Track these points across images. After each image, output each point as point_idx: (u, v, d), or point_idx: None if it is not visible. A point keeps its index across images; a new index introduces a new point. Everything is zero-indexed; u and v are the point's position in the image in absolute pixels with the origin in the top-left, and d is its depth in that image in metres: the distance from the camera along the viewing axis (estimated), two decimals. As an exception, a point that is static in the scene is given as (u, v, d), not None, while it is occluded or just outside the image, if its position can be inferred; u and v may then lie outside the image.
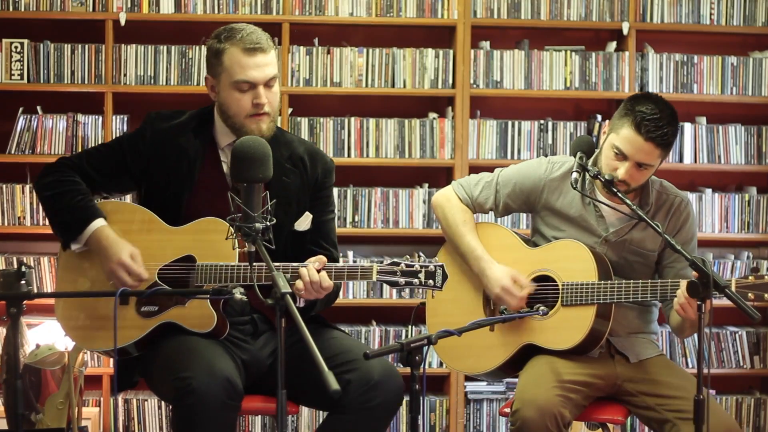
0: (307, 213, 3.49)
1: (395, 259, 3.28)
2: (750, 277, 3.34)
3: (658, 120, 3.40)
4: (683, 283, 3.34)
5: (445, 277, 3.24)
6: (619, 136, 3.45)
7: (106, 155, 3.48)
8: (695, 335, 5.11)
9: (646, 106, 3.42)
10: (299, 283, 3.23)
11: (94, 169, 3.45)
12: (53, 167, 3.45)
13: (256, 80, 3.33)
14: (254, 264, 2.87)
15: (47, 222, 3.53)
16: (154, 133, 3.45)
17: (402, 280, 3.24)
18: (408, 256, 3.29)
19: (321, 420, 3.92)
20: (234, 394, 3.19)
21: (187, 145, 3.43)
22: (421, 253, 5.18)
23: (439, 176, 5.36)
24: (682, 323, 3.51)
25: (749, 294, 3.31)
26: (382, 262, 3.35)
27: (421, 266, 3.25)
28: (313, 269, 3.24)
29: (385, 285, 5.16)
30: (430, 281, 3.24)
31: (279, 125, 4.85)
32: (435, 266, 3.24)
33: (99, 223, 3.36)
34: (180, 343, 3.29)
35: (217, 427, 3.15)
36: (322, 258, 3.30)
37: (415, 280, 3.24)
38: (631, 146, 3.43)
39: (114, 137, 5.06)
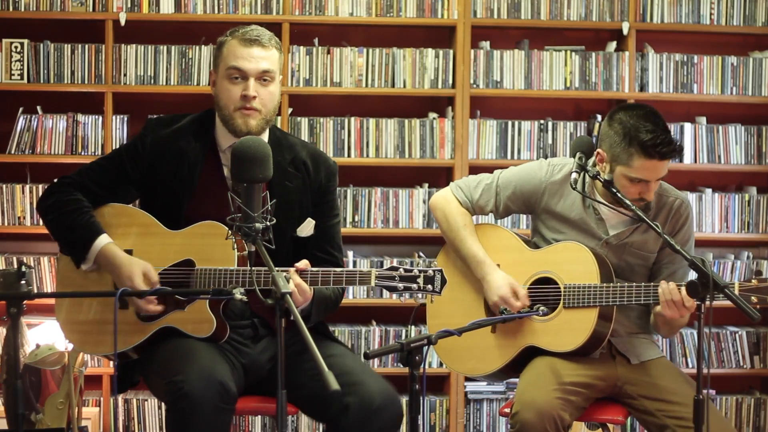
0: (309, 219, 3.46)
1: (394, 264, 3.27)
2: (753, 281, 3.33)
3: (662, 135, 3.38)
4: (672, 285, 3.37)
5: (443, 281, 3.21)
6: (632, 168, 3.41)
7: (106, 168, 3.46)
8: (695, 335, 5.10)
9: (645, 129, 3.38)
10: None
11: (95, 184, 3.42)
12: (54, 188, 3.43)
13: (246, 69, 3.33)
14: (254, 267, 2.86)
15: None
16: (155, 139, 3.43)
17: (401, 285, 3.21)
18: (408, 261, 3.28)
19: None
20: (227, 398, 3.16)
21: (187, 148, 3.41)
22: (421, 253, 5.18)
23: (439, 176, 5.36)
24: (656, 320, 3.55)
25: (752, 297, 3.30)
26: (381, 265, 3.34)
27: (420, 271, 3.21)
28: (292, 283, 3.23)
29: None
30: (429, 286, 3.21)
31: (279, 126, 4.85)
32: (434, 271, 3.21)
33: (103, 240, 3.34)
34: (176, 347, 3.27)
35: (211, 430, 3.14)
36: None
37: (414, 285, 3.21)
38: (651, 171, 3.41)
39: (113, 137, 5.08)
